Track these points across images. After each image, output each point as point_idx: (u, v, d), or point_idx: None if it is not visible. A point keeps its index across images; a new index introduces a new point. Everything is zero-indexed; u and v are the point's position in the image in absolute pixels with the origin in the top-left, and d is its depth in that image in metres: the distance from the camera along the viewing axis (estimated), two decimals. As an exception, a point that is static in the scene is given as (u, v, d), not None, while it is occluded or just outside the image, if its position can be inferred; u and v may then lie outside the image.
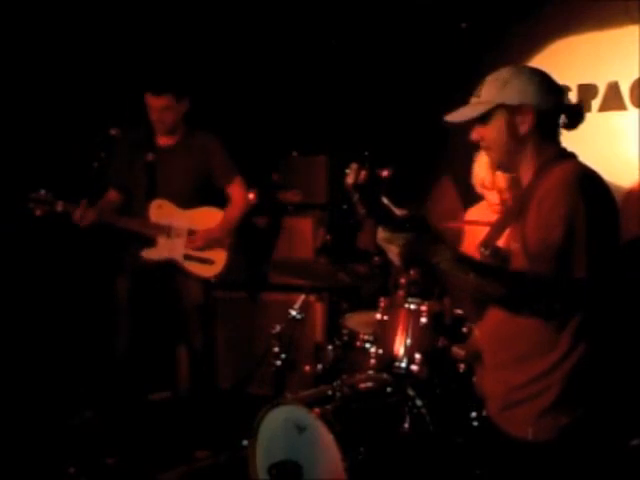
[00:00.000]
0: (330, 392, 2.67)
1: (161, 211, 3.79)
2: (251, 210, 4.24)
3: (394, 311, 3.09)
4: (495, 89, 2.13)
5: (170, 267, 3.81)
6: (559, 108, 2.12)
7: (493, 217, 3.06)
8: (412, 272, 3.01)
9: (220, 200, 3.91)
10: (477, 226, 3.20)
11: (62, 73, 4.18)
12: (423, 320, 2.99)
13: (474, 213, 3.39)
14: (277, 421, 2.66)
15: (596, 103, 4.09)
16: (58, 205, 3.61)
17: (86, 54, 4.25)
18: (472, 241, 3.30)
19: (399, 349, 3.00)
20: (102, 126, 3.71)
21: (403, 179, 2.26)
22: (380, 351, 3.05)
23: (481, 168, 3.18)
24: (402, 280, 3.10)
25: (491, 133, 2.15)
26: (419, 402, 2.74)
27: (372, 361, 3.05)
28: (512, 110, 2.09)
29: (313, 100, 4.89)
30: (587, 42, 4.13)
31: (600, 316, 2.04)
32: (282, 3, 4.73)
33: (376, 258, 3.60)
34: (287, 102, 4.91)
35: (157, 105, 3.73)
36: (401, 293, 3.10)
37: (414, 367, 2.93)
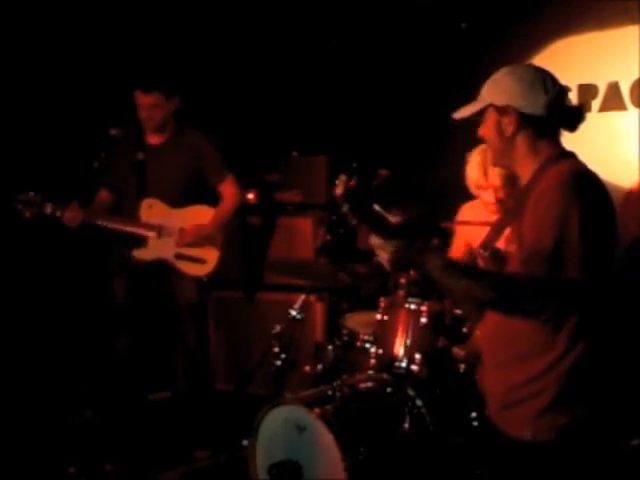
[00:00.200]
0: (330, 392, 2.67)
1: (152, 210, 3.76)
2: (247, 210, 4.22)
3: (394, 311, 3.09)
4: (488, 88, 2.14)
5: (164, 266, 3.78)
6: (553, 109, 2.06)
7: (487, 216, 3.07)
8: (412, 272, 3.00)
9: (212, 199, 3.88)
10: (468, 226, 3.21)
11: (62, 73, 4.18)
12: (423, 320, 2.99)
13: (467, 210, 3.37)
14: (277, 421, 2.66)
15: (596, 103, 4.09)
16: (47, 207, 3.59)
17: (84, 54, 4.25)
18: (462, 240, 3.31)
19: (399, 349, 3.00)
20: (102, 126, 3.71)
21: (403, 179, 2.26)
22: (380, 351, 3.05)
23: (473, 169, 3.15)
24: (402, 280, 3.10)
25: (485, 132, 2.16)
26: (419, 402, 2.74)
27: (372, 361, 3.05)
28: (499, 110, 2.09)
29: (313, 100, 4.88)
30: (587, 42, 4.13)
31: (597, 317, 2.03)
32: (282, 3, 4.74)
33: (376, 258, 3.59)
34: (287, 102, 4.90)
35: (146, 102, 3.71)
36: (401, 293, 3.10)
37: (414, 367, 2.93)
